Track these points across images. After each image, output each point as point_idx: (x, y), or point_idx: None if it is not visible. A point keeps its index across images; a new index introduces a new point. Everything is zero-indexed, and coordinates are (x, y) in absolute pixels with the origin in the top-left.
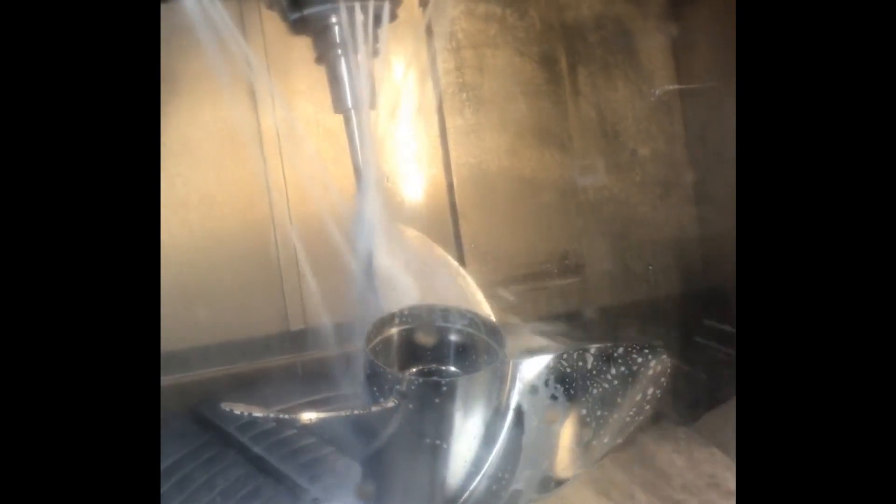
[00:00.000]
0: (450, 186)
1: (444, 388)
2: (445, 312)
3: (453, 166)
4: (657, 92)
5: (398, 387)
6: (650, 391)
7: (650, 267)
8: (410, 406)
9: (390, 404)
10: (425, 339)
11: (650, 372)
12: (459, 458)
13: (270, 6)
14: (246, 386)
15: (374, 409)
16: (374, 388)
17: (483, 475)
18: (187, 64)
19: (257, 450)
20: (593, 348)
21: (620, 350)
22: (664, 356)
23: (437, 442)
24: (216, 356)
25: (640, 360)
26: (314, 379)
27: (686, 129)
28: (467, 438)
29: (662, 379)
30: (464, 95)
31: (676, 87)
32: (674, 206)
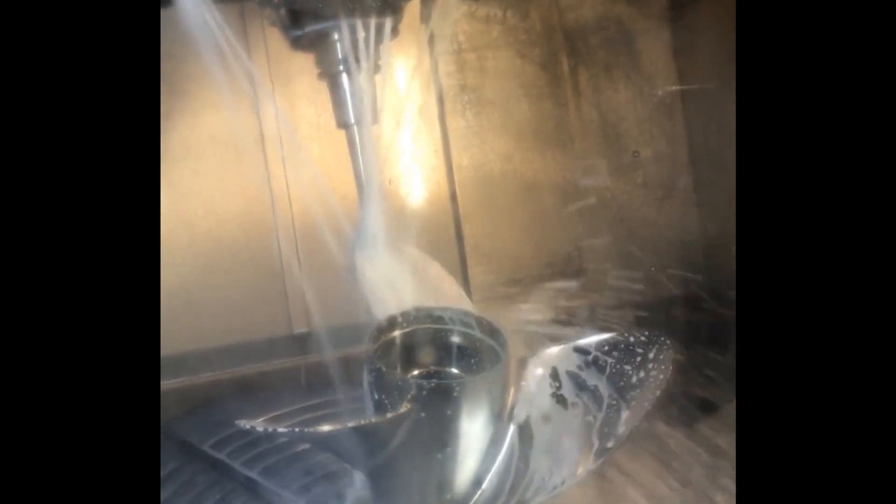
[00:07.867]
0: (452, 189)
1: (456, 391)
2: (445, 314)
3: (455, 169)
4: (659, 93)
5: (410, 392)
6: (657, 376)
7: (653, 269)
8: (423, 414)
9: (403, 410)
10: (427, 342)
11: (653, 358)
12: (467, 464)
13: (272, 23)
14: (249, 389)
15: (388, 415)
16: (383, 396)
17: (489, 482)
18: (188, 69)
19: (239, 467)
20: (595, 341)
21: (622, 341)
22: (667, 343)
23: (447, 447)
24: (219, 360)
25: (643, 347)
26: (317, 382)
27: (688, 131)
28: (475, 442)
29: (667, 365)
30: (465, 98)
31: (678, 88)
32: (676, 207)
